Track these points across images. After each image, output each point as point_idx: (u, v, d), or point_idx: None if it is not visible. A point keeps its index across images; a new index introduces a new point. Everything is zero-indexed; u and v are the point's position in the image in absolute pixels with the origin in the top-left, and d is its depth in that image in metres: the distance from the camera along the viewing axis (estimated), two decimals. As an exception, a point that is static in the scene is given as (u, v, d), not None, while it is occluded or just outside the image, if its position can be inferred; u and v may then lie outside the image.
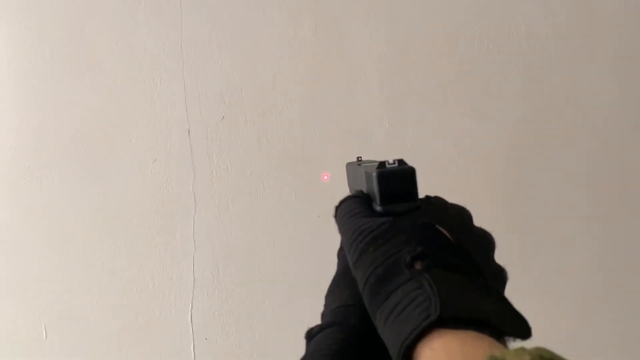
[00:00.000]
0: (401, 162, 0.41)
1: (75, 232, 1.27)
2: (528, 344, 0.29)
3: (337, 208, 0.44)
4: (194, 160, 1.26)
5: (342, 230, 0.42)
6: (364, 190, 0.44)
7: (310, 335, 0.43)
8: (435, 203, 0.43)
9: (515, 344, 0.30)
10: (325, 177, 1.20)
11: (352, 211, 0.41)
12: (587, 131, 1.21)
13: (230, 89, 1.26)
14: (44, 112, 1.29)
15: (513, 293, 1.24)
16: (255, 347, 1.22)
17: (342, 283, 0.46)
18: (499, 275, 0.42)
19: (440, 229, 0.37)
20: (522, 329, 0.31)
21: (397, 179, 0.40)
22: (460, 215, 0.44)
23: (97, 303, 1.26)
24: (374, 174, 0.40)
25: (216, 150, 1.26)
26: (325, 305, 0.46)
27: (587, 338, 1.19)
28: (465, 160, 1.20)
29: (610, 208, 1.20)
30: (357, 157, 0.55)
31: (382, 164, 0.41)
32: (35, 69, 1.29)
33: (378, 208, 0.40)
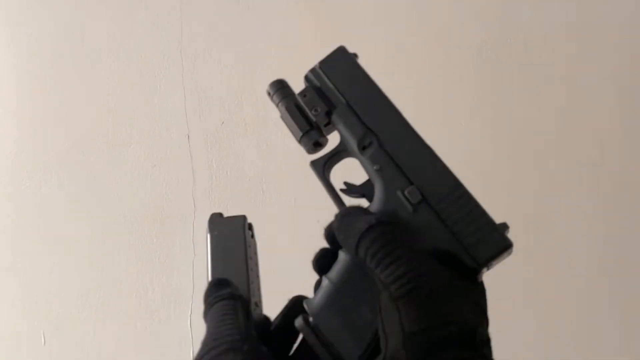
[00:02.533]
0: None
1: (75, 238, 1.27)
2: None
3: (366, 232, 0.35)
4: (193, 166, 1.26)
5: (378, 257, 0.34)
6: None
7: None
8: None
9: None
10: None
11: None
12: (586, 136, 1.21)
13: (230, 94, 1.26)
14: (43, 118, 1.29)
15: (512, 293, 1.24)
16: (255, 353, 1.22)
17: None
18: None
19: None
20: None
21: None
22: None
23: (96, 309, 1.26)
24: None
25: (215, 155, 1.26)
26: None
27: (586, 338, 1.19)
28: (464, 166, 1.20)
29: (611, 210, 1.20)
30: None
31: None
32: (35, 75, 1.30)
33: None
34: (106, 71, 1.28)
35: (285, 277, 1.24)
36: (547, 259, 1.19)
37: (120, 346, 1.25)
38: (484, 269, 0.35)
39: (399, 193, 0.37)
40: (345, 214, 0.36)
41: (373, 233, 0.33)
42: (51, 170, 1.28)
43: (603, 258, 1.20)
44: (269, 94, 0.47)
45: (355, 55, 0.44)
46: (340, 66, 0.43)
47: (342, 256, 0.37)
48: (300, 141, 0.43)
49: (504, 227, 0.36)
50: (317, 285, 0.39)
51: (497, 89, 1.23)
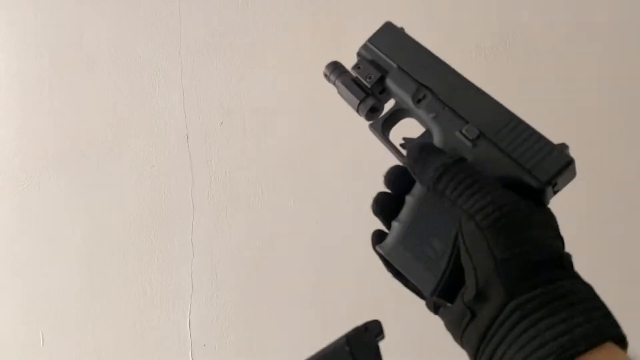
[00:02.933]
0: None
1: (73, 238, 1.27)
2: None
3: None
4: (192, 166, 1.26)
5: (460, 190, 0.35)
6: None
7: None
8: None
9: None
10: None
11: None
12: (584, 136, 1.21)
13: (229, 94, 1.26)
14: (42, 119, 1.29)
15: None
16: (254, 353, 1.22)
17: None
18: None
19: None
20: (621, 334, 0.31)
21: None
22: None
23: (94, 309, 1.26)
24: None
25: (214, 156, 1.26)
26: None
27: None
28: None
29: (609, 211, 1.20)
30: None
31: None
32: (34, 75, 1.30)
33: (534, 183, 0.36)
34: (105, 71, 1.28)
35: (284, 276, 1.24)
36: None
37: (119, 346, 1.25)
38: (550, 190, 0.36)
39: (457, 133, 0.39)
40: (422, 149, 0.37)
41: (455, 167, 0.35)
42: (50, 171, 1.28)
43: (602, 258, 1.20)
44: (325, 75, 0.49)
45: (402, 29, 0.47)
46: (389, 37, 0.45)
47: (411, 197, 0.39)
48: (357, 110, 0.45)
49: (563, 146, 0.38)
50: (377, 236, 0.40)
51: (495, 88, 1.23)
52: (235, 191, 1.25)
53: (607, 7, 1.22)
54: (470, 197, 0.33)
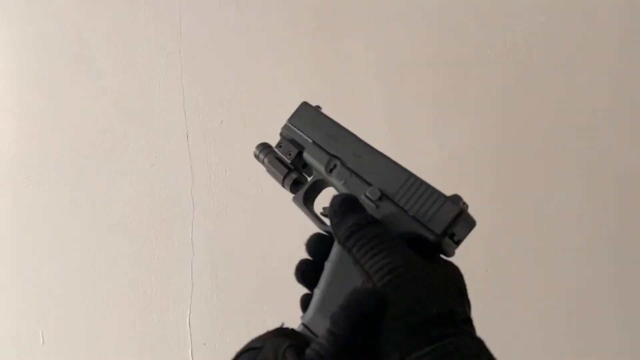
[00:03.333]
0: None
1: (73, 238, 1.27)
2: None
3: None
4: (192, 165, 1.26)
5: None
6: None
7: None
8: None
9: None
10: None
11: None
12: (584, 136, 1.21)
13: (229, 93, 1.26)
14: (42, 117, 1.29)
15: (509, 294, 1.24)
16: (254, 353, 1.22)
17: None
18: None
19: None
20: None
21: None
22: None
23: (94, 308, 1.26)
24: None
25: (214, 155, 1.26)
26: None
27: (585, 337, 1.19)
28: (463, 166, 1.20)
29: (608, 210, 1.20)
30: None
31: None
32: (33, 74, 1.29)
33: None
34: (104, 70, 1.28)
35: (283, 276, 1.24)
36: (546, 258, 1.19)
37: (118, 346, 1.25)
38: (449, 241, 0.39)
39: (362, 197, 0.43)
40: (343, 202, 0.39)
41: (367, 228, 0.37)
42: (49, 170, 1.28)
43: (602, 257, 1.20)
44: (255, 155, 0.55)
45: (318, 107, 0.52)
46: (305, 116, 0.51)
47: (328, 262, 0.42)
48: (283, 184, 0.51)
49: (456, 198, 0.40)
50: (303, 300, 0.43)
51: (496, 89, 1.23)
52: (236, 190, 1.25)
53: (608, 6, 1.22)
54: (371, 257, 0.35)
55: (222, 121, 1.26)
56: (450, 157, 1.21)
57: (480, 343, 0.33)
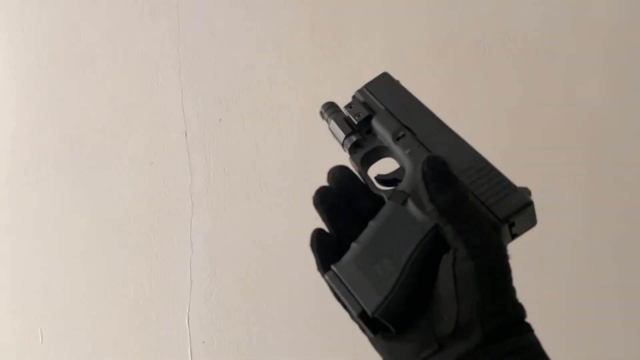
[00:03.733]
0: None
1: (72, 235, 1.26)
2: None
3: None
4: (191, 163, 1.26)
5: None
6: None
7: None
8: None
9: None
10: None
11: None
12: (583, 132, 1.21)
13: (228, 91, 1.26)
14: (41, 116, 1.29)
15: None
16: (253, 351, 1.22)
17: None
18: None
19: None
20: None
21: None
22: None
23: (93, 307, 1.25)
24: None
25: (213, 152, 1.25)
26: None
27: (585, 336, 1.19)
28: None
29: (608, 210, 1.20)
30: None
31: None
32: (32, 72, 1.29)
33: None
34: (103, 68, 1.28)
35: (283, 273, 1.24)
36: (545, 257, 1.19)
37: (117, 343, 1.25)
38: (507, 230, 0.38)
39: None
40: (445, 164, 0.37)
41: (466, 203, 0.36)
42: (48, 168, 1.27)
43: (602, 258, 1.20)
44: (320, 112, 0.53)
45: (398, 81, 0.51)
46: (383, 85, 0.50)
47: (375, 221, 0.40)
48: (342, 144, 0.49)
49: (526, 190, 0.39)
50: (317, 236, 0.42)
51: (495, 86, 1.23)
52: (234, 188, 1.25)
53: (607, 3, 1.22)
54: (472, 235, 0.35)
55: (220, 119, 1.26)
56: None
57: (539, 342, 0.35)
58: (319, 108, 0.53)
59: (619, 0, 1.22)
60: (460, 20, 1.24)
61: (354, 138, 0.48)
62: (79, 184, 1.27)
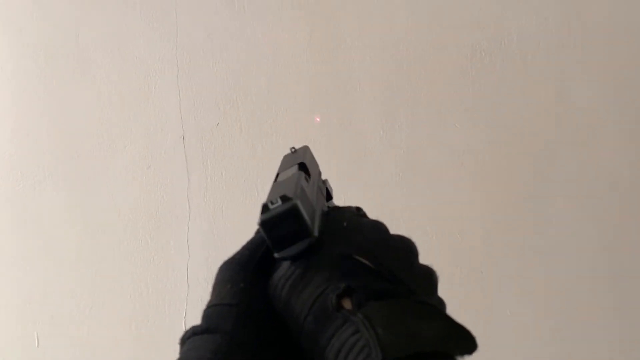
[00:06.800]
0: (283, 197, 0.36)
1: (69, 239, 1.26)
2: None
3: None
4: (188, 167, 1.26)
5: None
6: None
7: (183, 340, 0.40)
8: (349, 226, 0.39)
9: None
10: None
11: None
12: (579, 137, 1.22)
13: (225, 95, 1.26)
14: (38, 119, 1.29)
15: (504, 295, 1.24)
16: (250, 354, 1.21)
17: (229, 274, 0.43)
18: (428, 278, 0.38)
19: (357, 257, 0.35)
20: (468, 344, 0.30)
21: (282, 221, 0.36)
22: (375, 232, 0.40)
23: (90, 311, 1.25)
24: (258, 223, 0.37)
25: (210, 156, 1.26)
26: (210, 299, 0.42)
27: (584, 336, 1.19)
28: (458, 167, 1.21)
29: (604, 213, 1.21)
30: (291, 148, 0.51)
31: (264, 207, 0.36)
32: (30, 76, 1.29)
33: (275, 255, 0.37)
34: (101, 72, 1.28)
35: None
36: (541, 260, 1.20)
37: (114, 348, 1.25)
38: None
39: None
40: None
41: None
42: (46, 172, 1.27)
43: (596, 259, 1.20)
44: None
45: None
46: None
47: None
48: None
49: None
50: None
51: (490, 91, 1.24)
52: (232, 192, 1.25)
53: (602, 9, 1.23)
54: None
55: (218, 123, 1.26)
56: (449, 158, 1.21)
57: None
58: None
59: (614, 5, 1.23)
60: (456, 26, 1.24)
61: None
62: (75, 187, 1.27)
